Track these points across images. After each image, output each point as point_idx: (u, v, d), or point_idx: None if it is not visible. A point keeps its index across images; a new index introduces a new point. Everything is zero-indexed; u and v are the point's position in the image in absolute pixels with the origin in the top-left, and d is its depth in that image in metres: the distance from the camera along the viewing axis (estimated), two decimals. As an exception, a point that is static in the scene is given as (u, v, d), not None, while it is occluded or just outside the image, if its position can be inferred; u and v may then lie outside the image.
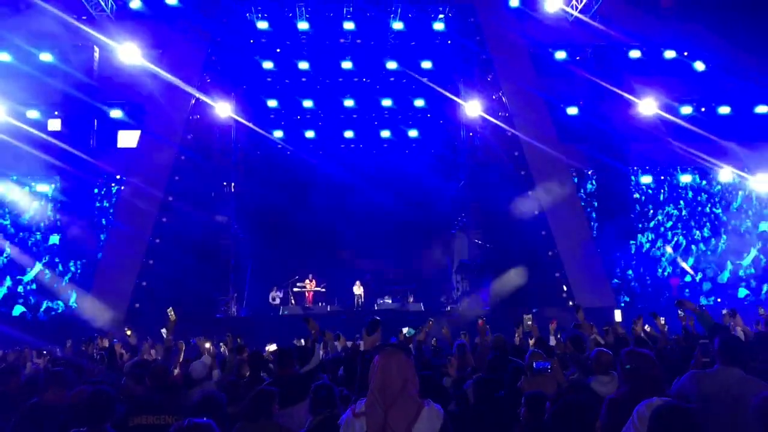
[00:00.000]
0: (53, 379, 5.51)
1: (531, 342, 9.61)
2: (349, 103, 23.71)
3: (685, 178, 22.51)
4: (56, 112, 19.42)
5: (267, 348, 9.59)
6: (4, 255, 20.34)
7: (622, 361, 4.48)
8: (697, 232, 22.13)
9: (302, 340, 10.95)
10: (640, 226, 21.95)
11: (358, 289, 22.40)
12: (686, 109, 21.24)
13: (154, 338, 9.54)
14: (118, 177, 20.10)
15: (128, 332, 8.83)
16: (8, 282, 20.32)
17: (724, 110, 21.36)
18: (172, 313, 7.46)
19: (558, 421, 4.09)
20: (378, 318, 4.36)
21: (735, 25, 20.48)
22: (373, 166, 25.39)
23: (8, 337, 14.88)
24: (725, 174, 21.55)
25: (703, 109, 21.66)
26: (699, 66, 21.45)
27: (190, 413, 4.72)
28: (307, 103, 24.07)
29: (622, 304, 20.35)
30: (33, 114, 19.54)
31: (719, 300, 20.71)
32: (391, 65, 22.25)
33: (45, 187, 20.77)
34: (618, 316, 8.79)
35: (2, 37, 19.39)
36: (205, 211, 20.13)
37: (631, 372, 4.36)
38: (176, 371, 7.06)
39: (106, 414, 4.31)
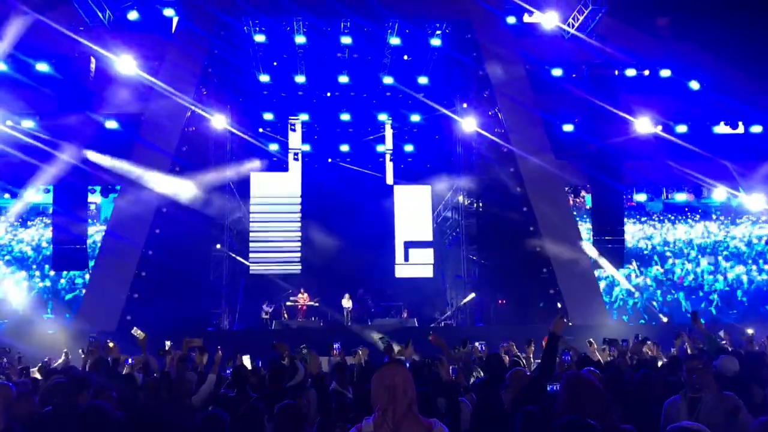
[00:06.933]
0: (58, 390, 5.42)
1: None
2: (345, 117, 23.73)
3: (680, 197, 22.58)
4: (51, 123, 19.28)
5: (242, 358, 9.52)
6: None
7: (562, 387, 3.96)
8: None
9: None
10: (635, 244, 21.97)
11: (347, 303, 22.27)
12: (681, 128, 21.25)
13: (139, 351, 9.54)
14: (110, 187, 19.99)
15: (110, 344, 8.77)
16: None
17: (720, 129, 21.39)
18: (138, 332, 7.61)
19: None
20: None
21: (728, 44, 20.53)
22: (368, 179, 25.42)
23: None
24: (719, 193, 21.59)
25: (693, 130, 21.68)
26: (694, 85, 21.53)
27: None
28: (303, 117, 24.09)
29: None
30: (28, 123, 19.45)
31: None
32: (388, 80, 22.27)
33: (39, 197, 20.64)
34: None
35: (-2, 46, 19.36)
36: (199, 223, 19.97)
37: (568, 401, 3.83)
38: None
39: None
